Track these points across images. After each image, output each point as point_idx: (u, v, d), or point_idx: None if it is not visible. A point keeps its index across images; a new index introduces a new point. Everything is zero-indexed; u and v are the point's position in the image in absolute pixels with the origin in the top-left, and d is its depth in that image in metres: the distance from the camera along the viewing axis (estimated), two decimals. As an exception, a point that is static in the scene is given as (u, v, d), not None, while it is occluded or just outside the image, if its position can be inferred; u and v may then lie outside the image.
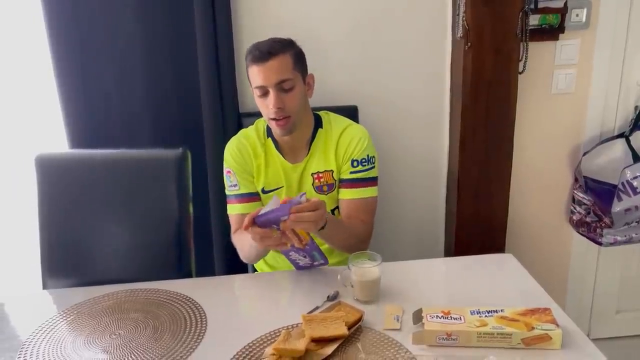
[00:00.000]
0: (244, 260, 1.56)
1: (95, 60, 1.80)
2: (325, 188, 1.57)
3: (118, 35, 1.79)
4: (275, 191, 1.57)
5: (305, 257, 1.37)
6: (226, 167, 1.58)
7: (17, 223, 1.94)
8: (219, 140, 1.86)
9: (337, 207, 1.61)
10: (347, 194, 1.55)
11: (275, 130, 1.50)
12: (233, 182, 1.56)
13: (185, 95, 1.87)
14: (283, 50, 1.44)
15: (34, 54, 1.81)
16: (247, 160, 1.57)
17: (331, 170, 1.56)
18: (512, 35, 1.80)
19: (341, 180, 1.56)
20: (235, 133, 1.88)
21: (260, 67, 1.42)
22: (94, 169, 1.58)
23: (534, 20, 1.85)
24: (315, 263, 1.39)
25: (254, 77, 1.45)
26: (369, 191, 1.55)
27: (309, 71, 1.54)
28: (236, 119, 1.89)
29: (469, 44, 1.80)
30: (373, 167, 1.56)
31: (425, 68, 1.97)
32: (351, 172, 1.54)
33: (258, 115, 1.91)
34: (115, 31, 1.79)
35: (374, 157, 1.57)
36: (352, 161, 1.54)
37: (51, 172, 1.56)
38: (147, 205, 1.55)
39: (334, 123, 1.59)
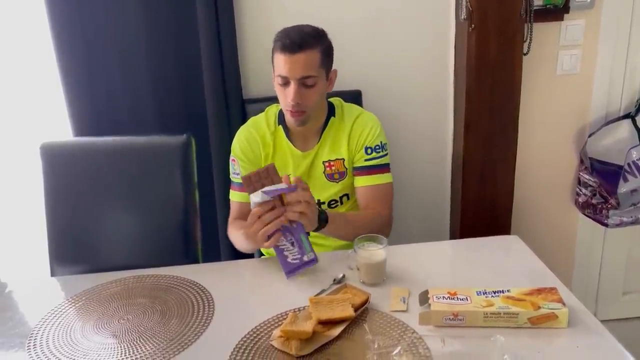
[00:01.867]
0: (240, 249, 1.55)
1: (99, 49, 1.80)
2: (336, 176, 1.58)
3: (121, 24, 1.79)
4: None
5: (293, 244, 1.33)
6: (232, 156, 1.58)
7: (24, 212, 1.95)
8: (223, 127, 1.86)
9: (347, 194, 1.61)
10: (363, 181, 1.56)
11: (289, 120, 1.51)
12: (236, 171, 1.56)
13: (188, 82, 1.87)
14: (313, 44, 1.42)
15: (38, 44, 1.81)
16: (255, 151, 1.56)
17: (342, 158, 1.56)
18: (516, 16, 1.79)
19: (355, 168, 1.57)
20: (239, 119, 1.89)
21: (286, 58, 1.41)
22: (99, 156, 1.59)
23: (538, 0, 1.83)
24: (305, 258, 1.33)
25: (278, 64, 1.43)
26: (383, 177, 1.56)
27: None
28: (240, 105, 1.89)
29: (473, 25, 1.79)
30: (386, 153, 1.57)
31: (429, 51, 1.96)
32: (365, 160, 1.55)
33: (262, 101, 1.92)
34: (118, 20, 1.78)
35: (386, 144, 1.57)
36: (366, 148, 1.54)
37: (56, 161, 1.57)
38: (153, 192, 1.56)
39: (347, 112, 1.59)
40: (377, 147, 1.55)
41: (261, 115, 1.62)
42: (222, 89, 1.84)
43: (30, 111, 1.92)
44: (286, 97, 1.44)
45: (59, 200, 1.56)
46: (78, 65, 1.79)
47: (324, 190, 1.59)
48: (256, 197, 1.28)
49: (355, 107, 1.62)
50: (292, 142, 1.57)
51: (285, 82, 1.43)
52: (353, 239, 1.38)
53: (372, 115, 1.60)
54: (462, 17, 1.83)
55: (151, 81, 1.84)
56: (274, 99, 1.84)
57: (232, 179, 1.59)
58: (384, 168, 1.56)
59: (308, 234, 1.37)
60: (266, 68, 1.91)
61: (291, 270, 1.33)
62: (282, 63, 1.42)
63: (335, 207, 1.62)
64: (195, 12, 1.76)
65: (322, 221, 1.39)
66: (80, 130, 1.83)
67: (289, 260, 1.33)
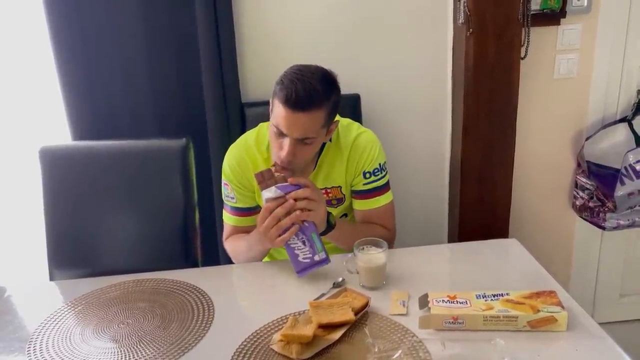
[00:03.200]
0: (240, 261, 1.52)
1: (98, 52, 1.80)
2: (334, 202, 1.53)
3: (120, 27, 1.79)
4: None
5: (305, 243, 1.31)
6: (224, 179, 1.51)
7: (23, 215, 1.95)
8: (222, 131, 1.87)
9: (346, 214, 1.59)
10: (362, 205, 1.52)
11: (275, 167, 1.39)
12: (230, 195, 1.50)
13: (187, 86, 1.87)
14: (321, 103, 1.29)
15: (37, 46, 1.80)
16: (247, 176, 1.48)
17: (339, 186, 1.51)
18: (514, 20, 1.80)
19: (354, 192, 1.52)
20: (238, 123, 1.89)
21: (287, 114, 1.28)
22: (98, 160, 1.58)
23: (535, 4, 1.84)
24: (316, 258, 1.31)
25: (277, 115, 1.31)
26: (383, 199, 1.51)
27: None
28: (239, 108, 1.89)
29: (471, 30, 1.80)
30: (385, 173, 1.51)
31: (427, 55, 1.97)
32: (364, 184, 1.49)
33: (260, 105, 1.92)
34: (117, 24, 1.78)
35: (384, 163, 1.51)
36: (364, 173, 1.48)
37: (55, 164, 1.57)
38: (152, 195, 1.56)
39: (343, 134, 1.49)
40: (376, 170, 1.48)
41: (253, 133, 1.52)
42: (221, 93, 1.85)
43: (29, 115, 1.92)
44: (279, 150, 1.34)
45: (58, 204, 1.56)
46: (77, 69, 1.79)
47: None
48: (269, 193, 1.28)
49: (352, 127, 1.52)
50: None
51: (281, 134, 1.32)
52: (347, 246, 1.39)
53: (370, 135, 1.51)
54: (460, 22, 1.84)
55: (150, 85, 1.84)
56: (272, 103, 1.85)
57: (225, 202, 1.53)
58: (383, 189, 1.51)
59: (320, 233, 1.37)
60: (265, 72, 1.93)
61: (302, 270, 1.32)
62: (281, 116, 1.29)
63: None
64: (195, 15, 1.76)
65: (330, 225, 1.39)
66: (79, 134, 1.83)
67: (299, 259, 1.32)
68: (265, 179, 1.29)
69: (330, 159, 1.49)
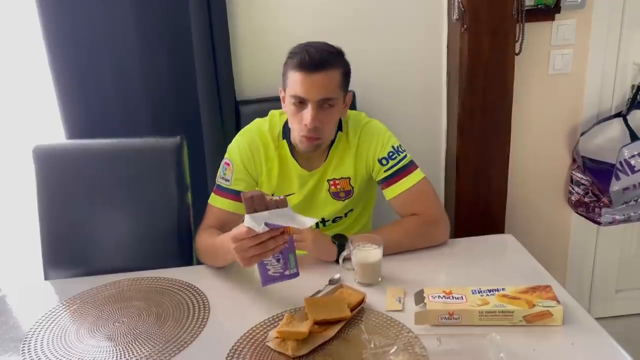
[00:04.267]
0: (203, 260, 1.45)
1: (92, 51, 1.79)
2: (342, 194, 1.50)
3: (114, 26, 1.78)
4: (287, 197, 1.45)
5: (279, 260, 1.21)
6: (227, 159, 1.47)
7: (17, 215, 1.94)
8: (216, 128, 1.86)
9: (352, 209, 1.57)
10: (392, 192, 1.45)
11: (301, 145, 1.39)
12: (227, 177, 1.45)
13: (181, 84, 1.86)
14: (335, 64, 1.32)
15: (30, 46, 1.79)
16: (256, 163, 1.46)
17: (348, 177, 1.49)
18: (508, 16, 1.80)
19: (380, 183, 1.48)
20: (232, 121, 1.89)
21: (305, 77, 1.29)
22: (92, 158, 1.58)
23: (529, 0, 1.84)
24: (286, 273, 1.22)
25: (293, 83, 1.32)
26: (411, 177, 1.44)
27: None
28: (233, 106, 1.89)
29: (465, 26, 1.80)
30: (404, 154, 1.46)
31: (422, 51, 1.97)
32: (385, 170, 1.45)
33: (255, 102, 1.92)
34: (111, 22, 1.77)
35: (399, 145, 1.47)
36: (380, 160, 1.45)
37: (49, 163, 1.56)
38: (146, 194, 1.55)
39: (351, 124, 1.48)
40: (391, 152, 1.45)
41: (265, 121, 1.50)
42: (215, 91, 1.84)
43: (23, 114, 1.91)
44: (302, 120, 1.33)
45: (52, 203, 1.55)
46: (70, 68, 1.78)
47: (328, 208, 1.52)
48: (257, 226, 1.13)
49: (359, 117, 1.51)
50: (296, 160, 1.47)
51: (301, 104, 1.32)
52: (403, 247, 1.40)
53: (376, 123, 1.50)
54: (455, 18, 1.83)
55: (144, 83, 1.84)
56: (266, 101, 1.85)
57: (218, 183, 1.47)
58: (408, 168, 1.45)
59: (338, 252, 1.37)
60: (259, 69, 1.92)
61: (268, 281, 1.23)
62: (298, 82, 1.30)
63: (339, 221, 1.58)
64: (188, 13, 1.76)
65: (342, 245, 1.37)
66: (73, 132, 1.82)
67: (269, 273, 1.22)
68: (254, 203, 1.14)
69: (340, 150, 1.48)
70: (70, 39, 1.76)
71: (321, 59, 1.30)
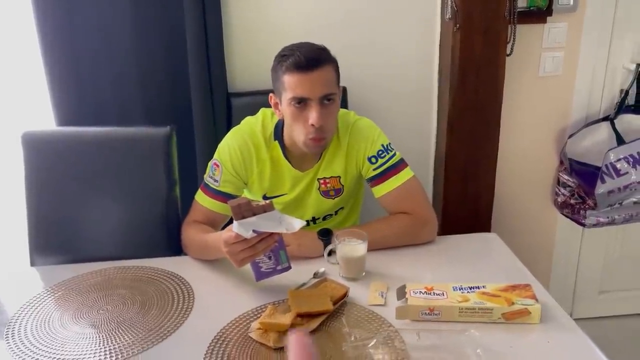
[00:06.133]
0: (190, 253, 1.46)
1: (84, 39, 1.78)
2: (332, 193, 1.50)
3: (107, 13, 1.77)
4: (278, 198, 1.49)
5: (270, 257, 1.25)
6: (217, 160, 1.45)
7: (4, 200, 1.93)
8: (207, 120, 1.86)
9: (343, 207, 1.58)
10: (381, 190, 1.46)
11: (308, 148, 1.37)
12: (216, 178, 1.44)
13: (174, 74, 1.86)
14: (327, 59, 1.32)
15: (22, 31, 1.78)
16: (246, 165, 1.45)
17: (338, 176, 1.49)
18: (501, 17, 1.81)
19: (369, 181, 1.48)
20: (224, 113, 1.89)
21: (304, 77, 1.29)
22: (80, 146, 1.57)
23: (522, 2, 1.86)
24: (279, 267, 1.26)
25: (292, 85, 1.30)
26: (401, 176, 1.44)
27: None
28: (225, 98, 1.89)
29: (458, 25, 1.81)
30: (394, 152, 1.47)
31: (414, 50, 1.98)
32: (374, 169, 1.45)
33: (246, 95, 1.93)
34: (104, 10, 1.76)
35: (389, 143, 1.48)
36: (369, 159, 1.45)
37: (38, 150, 1.55)
38: (135, 183, 1.55)
39: (341, 123, 1.47)
40: (380, 151, 1.45)
41: (257, 121, 1.48)
42: (207, 82, 1.84)
43: (13, 100, 1.90)
44: (306, 122, 1.31)
45: (39, 189, 1.55)
46: (62, 55, 1.77)
47: (319, 207, 1.53)
48: (245, 232, 1.15)
49: (348, 116, 1.50)
50: (289, 161, 1.46)
51: (303, 105, 1.31)
52: (387, 244, 1.41)
53: (366, 121, 1.50)
54: (447, 17, 1.84)
55: (136, 72, 1.83)
56: (259, 94, 1.85)
57: (206, 182, 1.46)
58: (397, 166, 1.45)
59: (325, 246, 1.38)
60: (252, 62, 1.92)
61: (261, 277, 1.26)
62: (298, 83, 1.29)
63: (330, 219, 1.58)
64: (182, 3, 1.75)
65: (327, 240, 1.39)
66: (63, 119, 1.81)
67: (262, 270, 1.26)
68: (242, 210, 1.15)
69: (332, 149, 1.47)
70: (63, 26, 1.75)
71: (316, 57, 1.30)
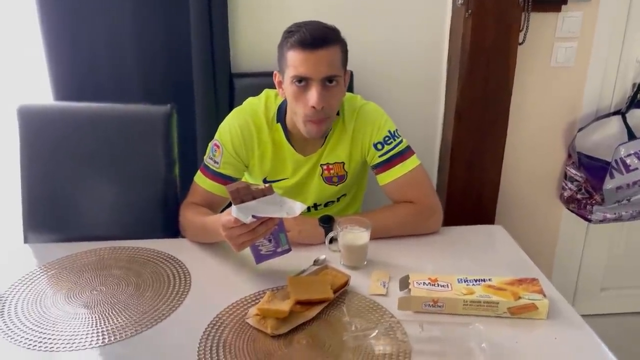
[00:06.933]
0: (188, 236, 1.42)
1: (84, 14, 1.73)
2: (335, 179, 1.47)
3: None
4: (279, 182, 1.46)
5: (270, 240, 1.22)
6: (218, 140, 1.41)
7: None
8: (209, 100, 1.82)
9: (345, 194, 1.54)
10: (386, 177, 1.42)
11: (307, 132, 1.33)
12: (216, 159, 1.40)
13: (176, 52, 1.81)
14: (335, 40, 1.28)
15: (22, 5, 1.73)
16: (247, 147, 1.41)
17: (342, 162, 1.45)
18: (515, 4, 1.76)
19: (374, 168, 1.44)
20: (226, 94, 1.84)
21: (307, 55, 1.24)
22: (78, 122, 1.52)
23: (537, -11, 1.80)
24: (279, 250, 1.23)
25: (295, 63, 1.26)
26: (407, 164, 1.41)
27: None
28: (227, 79, 1.84)
29: (470, 11, 1.76)
30: (400, 139, 1.42)
31: (423, 35, 1.93)
32: (380, 156, 1.41)
33: (250, 76, 1.88)
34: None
35: (395, 130, 1.43)
36: (375, 145, 1.41)
37: (34, 124, 1.51)
38: (133, 162, 1.51)
39: (347, 108, 1.43)
40: (387, 137, 1.41)
41: (260, 102, 1.44)
42: (210, 62, 1.79)
43: (10, 73, 1.85)
44: (306, 103, 1.28)
45: (35, 165, 1.51)
46: (62, 28, 1.72)
47: (321, 193, 1.49)
48: (244, 217, 1.11)
49: (355, 100, 1.46)
50: (292, 144, 1.42)
51: (304, 84, 1.27)
52: (391, 232, 1.38)
53: (373, 106, 1.46)
54: (460, 2, 1.79)
55: (137, 49, 1.79)
56: (262, 75, 1.80)
57: (206, 163, 1.42)
58: (404, 154, 1.41)
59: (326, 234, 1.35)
60: (256, 43, 1.88)
61: (261, 260, 1.24)
62: (301, 61, 1.25)
63: (332, 205, 1.55)
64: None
65: (328, 226, 1.36)
66: (61, 94, 1.77)
67: (262, 252, 1.23)
68: (240, 194, 1.12)
69: (337, 134, 1.43)
70: (65, 2, 1.70)
71: (322, 36, 1.26)
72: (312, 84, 1.27)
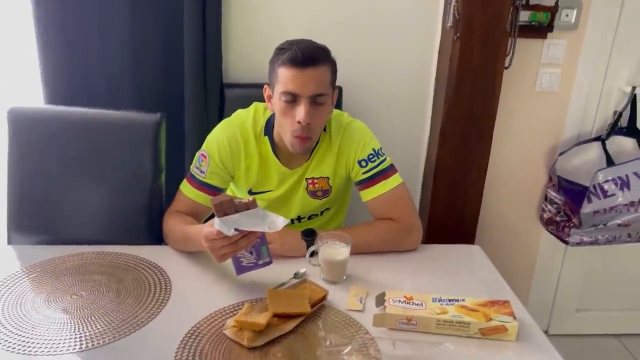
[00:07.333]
0: (171, 244, 1.44)
1: (78, 19, 1.75)
2: (319, 193, 1.50)
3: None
4: (264, 194, 1.49)
5: (252, 253, 1.24)
6: (205, 151, 1.44)
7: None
8: (199, 110, 1.84)
9: (329, 208, 1.57)
10: (369, 194, 1.45)
11: (293, 148, 1.36)
12: (203, 169, 1.43)
13: (168, 61, 1.83)
14: (325, 59, 1.32)
15: (16, 9, 1.75)
16: (234, 158, 1.44)
17: (327, 177, 1.48)
18: (502, 29, 1.80)
19: (358, 184, 1.47)
20: (217, 104, 1.87)
21: (297, 72, 1.28)
22: (68, 126, 1.53)
23: (524, 16, 1.85)
24: (260, 262, 1.25)
25: (285, 79, 1.30)
26: (390, 181, 1.44)
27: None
28: (219, 89, 1.87)
29: (458, 34, 1.80)
30: (384, 157, 1.46)
31: (412, 55, 1.97)
32: (364, 173, 1.45)
33: (241, 87, 1.91)
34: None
35: (379, 148, 1.47)
36: (359, 162, 1.45)
37: (23, 127, 1.52)
38: (120, 168, 1.52)
39: (334, 124, 1.47)
40: (371, 155, 1.44)
41: (248, 115, 1.46)
42: (202, 71, 1.82)
43: (3, 76, 1.86)
44: (294, 118, 1.31)
45: (22, 167, 1.51)
46: (55, 33, 1.74)
47: (305, 206, 1.52)
48: (227, 230, 1.14)
49: (342, 117, 1.50)
50: (278, 158, 1.45)
51: (293, 101, 1.31)
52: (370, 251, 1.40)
53: (359, 124, 1.50)
54: (449, 25, 1.84)
55: (130, 56, 1.81)
56: (254, 86, 1.83)
57: (192, 172, 1.44)
58: (386, 172, 1.44)
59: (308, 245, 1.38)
60: (249, 54, 1.90)
61: (242, 271, 1.26)
62: (290, 78, 1.28)
63: (315, 219, 1.57)
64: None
65: (311, 240, 1.38)
66: (53, 99, 1.78)
67: (243, 264, 1.25)
68: (224, 208, 1.14)
69: (323, 149, 1.47)
70: (57, 4, 1.72)
71: (313, 55, 1.30)
72: (301, 100, 1.30)
